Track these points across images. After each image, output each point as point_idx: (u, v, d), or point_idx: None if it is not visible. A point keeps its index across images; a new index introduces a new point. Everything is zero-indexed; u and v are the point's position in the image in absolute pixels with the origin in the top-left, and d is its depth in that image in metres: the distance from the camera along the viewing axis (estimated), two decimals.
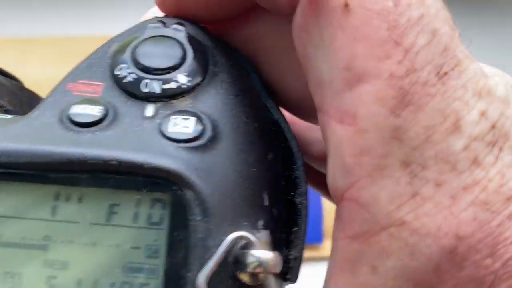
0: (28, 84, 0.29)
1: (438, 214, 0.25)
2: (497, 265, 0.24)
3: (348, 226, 0.26)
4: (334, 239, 0.28)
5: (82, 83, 0.29)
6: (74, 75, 0.29)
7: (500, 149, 0.25)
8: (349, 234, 0.26)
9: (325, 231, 1.34)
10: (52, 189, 0.27)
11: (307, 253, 0.31)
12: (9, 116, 0.29)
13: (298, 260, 0.30)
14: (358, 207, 0.26)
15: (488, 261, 0.24)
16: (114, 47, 0.30)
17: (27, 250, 0.27)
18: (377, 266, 0.25)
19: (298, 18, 0.29)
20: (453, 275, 0.24)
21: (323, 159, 0.34)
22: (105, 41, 0.31)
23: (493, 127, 0.26)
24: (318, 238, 1.35)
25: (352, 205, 0.26)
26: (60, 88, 0.29)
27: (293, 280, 0.30)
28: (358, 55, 0.26)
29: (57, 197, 0.27)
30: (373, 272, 0.26)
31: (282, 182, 0.30)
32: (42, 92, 0.38)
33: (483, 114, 0.26)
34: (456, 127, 0.25)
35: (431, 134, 0.25)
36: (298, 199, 0.31)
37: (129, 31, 0.31)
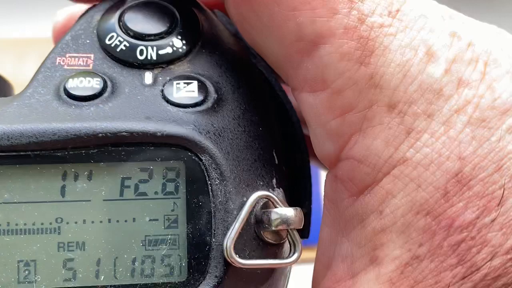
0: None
1: (436, 142, 0.25)
2: (505, 179, 0.24)
3: (350, 185, 0.26)
4: (334, 204, 0.27)
5: (71, 56, 0.28)
6: (60, 49, 0.28)
7: (485, 64, 0.25)
8: (353, 191, 0.26)
9: None
10: (60, 168, 0.26)
11: (308, 254, 0.30)
12: None
13: (308, 216, 0.30)
14: (356, 163, 0.26)
15: (495, 176, 0.24)
16: (97, 16, 0.29)
17: (39, 235, 0.25)
18: (383, 209, 0.25)
19: (230, 7, 0.28)
20: (462, 196, 0.24)
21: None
22: None
23: (469, 44, 0.25)
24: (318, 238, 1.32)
25: (350, 163, 0.26)
26: (48, 63, 0.27)
27: (306, 235, 0.30)
28: (304, 22, 0.25)
29: (65, 176, 0.26)
30: (380, 216, 0.25)
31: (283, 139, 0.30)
32: None
33: (453, 35, 0.25)
34: (430, 55, 0.25)
35: (407, 70, 0.25)
36: (299, 156, 0.31)
37: None
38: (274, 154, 0.28)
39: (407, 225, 0.25)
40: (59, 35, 0.35)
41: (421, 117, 0.25)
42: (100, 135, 0.25)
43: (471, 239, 0.24)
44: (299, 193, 0.30)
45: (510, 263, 0.24)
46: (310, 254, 0.29)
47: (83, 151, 0.25)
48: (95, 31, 0.28)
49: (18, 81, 0.37)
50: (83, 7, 0.32)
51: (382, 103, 0.25)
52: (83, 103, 0.26)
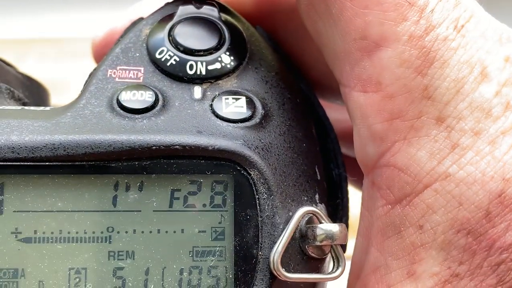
0: None
1: (481, 161, 0.25)
2: None
3: (387, 192, 0.26)
4: (369, 210, 0.28)
5: (122, 68, 0.28)
6: (111, 61, 0.29)
7: None
8: (390, 200, 0.26)
9: None
10: (112, 179, 0.26)
11: None
12: (47, 108, 0.28)
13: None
14: (396, 171, 0.26)
15: None
16: (146, 30, 0.30)
17: (90, 243, 0.26)
18: (423, 224, 0.26)
19: None
20: (504, 217, 0.25)
21: (342, 138, 0.34)
22: None
23: None
24: None
25: (389, 171, 0.26)
26: (100, 75, 0.28)
27: (344, 250, 0.31)
28: (372, 22, 0.26)
29: (117, 187, 0.26)
30: (420, 230, 0.26)
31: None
32: None
33: (507, 59, 0.26)
34: (484, 75, 0.25)
35: (461, 86, 0.25)
36: (336, 171, 0.31)
37: (159, 13, 0.30)
38: (317, 170, 0.29)
39: (447, 243, 0.25)
40: (99, 50, 0.35)
41: (468, 134, 0.25)
42: (154, 147, 0.26)
43: (511, 261, 0.25)
44: (336, 208, 0.31)
45: None
46: None
47: (136, 163, 0.26)
48: (144, 45, 0.29)
49: None
50: (122, 23, 0.33)
51: (432, 115, 0.26)
52: (136, 116, 0.27)
